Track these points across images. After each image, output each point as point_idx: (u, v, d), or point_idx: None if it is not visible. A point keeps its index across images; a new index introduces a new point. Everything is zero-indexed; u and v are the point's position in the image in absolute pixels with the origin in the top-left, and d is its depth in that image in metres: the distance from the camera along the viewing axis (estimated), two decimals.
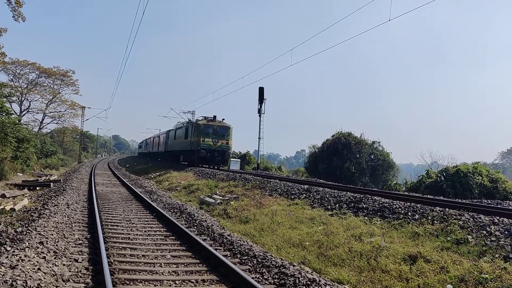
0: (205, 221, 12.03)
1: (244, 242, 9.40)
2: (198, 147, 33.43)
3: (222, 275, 6.93)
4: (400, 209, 10.55)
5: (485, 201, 16.26)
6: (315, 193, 14.19)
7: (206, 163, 34.32)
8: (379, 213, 10.65)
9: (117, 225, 10.99)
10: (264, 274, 7.08)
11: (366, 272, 7.40)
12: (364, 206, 11.48)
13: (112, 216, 12.33)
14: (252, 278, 6.66)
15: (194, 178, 25.15)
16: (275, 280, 6.77)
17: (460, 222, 8.64)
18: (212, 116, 35.21)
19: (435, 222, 9.07)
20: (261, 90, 36.78)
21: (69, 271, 6.58)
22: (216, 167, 33.67)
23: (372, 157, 39.91)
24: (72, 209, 12.67)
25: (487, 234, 7.80)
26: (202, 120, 35.42)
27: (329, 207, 12.19)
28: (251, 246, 9.04)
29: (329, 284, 6.65)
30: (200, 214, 13.34)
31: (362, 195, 12.74)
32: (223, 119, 35.46)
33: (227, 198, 16.00)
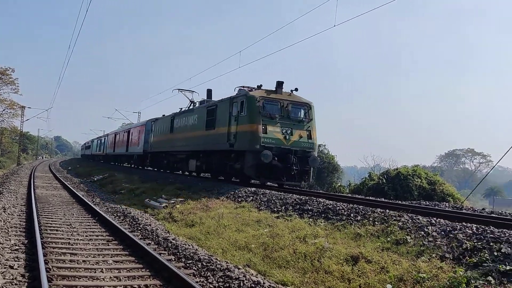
0: (150, 225, 11.83)
1: (189, 245, 9.31)
2: (256, 144, 16.79)
3: (166, 279, 6.81)
4: (343, 210, 10.77)
5: (424, 202, 16.87)
6: (262, 196, 14.25)
7: (273, 176, 17.44)
8: (323, 215, 10.83)
9: (56, 230, 10.59)
10: (208, 277, 7.04)
11: (309, 273, 7.50)
12: (309, 208, 11.64)
13: (52, 220, 11.87)
14: (196, 282, 6.60)
15: (139, 181, 24.68)
16: (219, 284, 6.74)
17: (400, 223, 8.91)
18: (276, 83, 18.43)
19: (376, 223, 9.32)
20: (209, 92, 34.18)
21: (3, 279, 6.27)
22: (286, 185, 18.17)
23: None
24: (9, 213, 12.10)
25: (424, 235, 8.09)
26: (254, 90, 18.63)
27: (275, 209, 12.28)
28: (196, 249, 8.96)
29: (273, 286, 6.69)
30: (144, 218, 13.10)
31: (307, 197, 12.92)
32: (295, 89, 18.65)
33: (172, 201, 15.79)
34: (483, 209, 15.57)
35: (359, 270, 7.17)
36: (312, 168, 18.28)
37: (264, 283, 6.70)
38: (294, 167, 16.97)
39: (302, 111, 18.17)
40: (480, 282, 5.88)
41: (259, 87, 18.69)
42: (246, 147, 17.33)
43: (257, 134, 16.85)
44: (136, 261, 7.98)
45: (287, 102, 17.81)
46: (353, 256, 7.67)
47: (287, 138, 17.22)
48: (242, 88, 19.51)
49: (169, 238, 10.02)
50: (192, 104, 26.57)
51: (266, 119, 17.16)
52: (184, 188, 18.46)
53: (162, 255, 8.32)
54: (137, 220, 12.52)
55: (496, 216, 12.02)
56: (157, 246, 9.41)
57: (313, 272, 7.50)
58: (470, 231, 7.68)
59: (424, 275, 6.50)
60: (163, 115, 30.82)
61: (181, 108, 27.21)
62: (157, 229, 11.29)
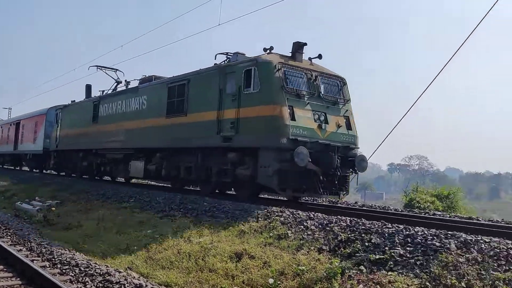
0: (21, 230, 10.98)
1: (65, 250, 8.78)
2: (281, 137, 10.69)
3: None
4: (228, 208, 10.87)
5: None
6: (145, 196, 13.90)
7: (306, 187, 11.12)
8: (209, 213, 10.83)
9: None
10: (87, 283, 6.68)
11: (194, 272, 7.46)
12: (195, 207, 11.58)
13: None
14: None
15: (10, 183, 22.75)
16: None
17: (282, 219, 9.21)
18: (292, 46, 12.33)
19: (260, 219, 9.54)
20: (88, 87, 29.39)
21: None
22: (311, 195, 12.38)
23: None
24: None
25: (304, 229, 8.46)
26: (264, 54, 12.05)
27: (159, 209, 12.03)
28: (74, 254, 8.49)
29: None
30: (15, 223, 12.12)
31: (192, 197, 12.84)
32: (319, 56, 12.52)
33: (48, 203, 14.80)
34: (356, 202, 16.81)
35: (242, 267, 7.29)
36: (349, 175, 12.24)
37: (146, 285, 6.54)
38: (337, 173, 11.35)
39: (336, 88, 12.45)
40: (354, 271, 6.30)
41: (269, 49, 12.13)
42: (261, 142, 11.24)
43: (282, 120, 10.84)
44: (5, 269, 7.34)
45: (316, 73, 12.07)
46: (237, 253, 7.78)
47: (323, 127, 11.50)
48: (229, 54, 13.43)
49: (43, 243, 9.40)
50: (118, 85, 20.87)
51: (292, 98, 11.19)
52: (62, 190, 17.39)
53: (35, 261, 7.74)
54: (6, 225, 11.56)
55: (367, 209, 13.06)
56: (29, 252, 8.73)
57: (197, 271, 7.47)
58: (345, 224, 8.20)
59: (303, 267, 6.78)
60: (72, 101, 23.90)
61: (103, 91, 21.11)
62: (30, 234, 10.52)
